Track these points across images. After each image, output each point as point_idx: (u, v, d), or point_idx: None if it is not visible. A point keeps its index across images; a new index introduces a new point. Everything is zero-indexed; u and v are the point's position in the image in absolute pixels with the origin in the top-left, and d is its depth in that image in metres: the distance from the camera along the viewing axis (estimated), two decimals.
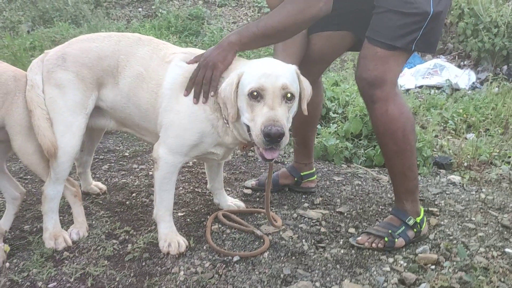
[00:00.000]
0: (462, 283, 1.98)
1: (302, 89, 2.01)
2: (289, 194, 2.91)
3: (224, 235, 2.34)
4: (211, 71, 2.03)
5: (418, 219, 2.33)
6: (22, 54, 5.44)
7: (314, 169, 2.96)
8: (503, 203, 2.93)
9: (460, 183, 3.26)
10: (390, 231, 2.28)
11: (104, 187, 2.84)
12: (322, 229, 2.44)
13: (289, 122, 1.94)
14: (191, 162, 3.36)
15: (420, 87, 6.23)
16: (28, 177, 3.04)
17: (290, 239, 2.32)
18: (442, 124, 4.53)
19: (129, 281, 1.96)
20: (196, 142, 2.11)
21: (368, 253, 2.24)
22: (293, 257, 2.17)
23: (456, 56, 7.31)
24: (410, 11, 2.10)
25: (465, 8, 7.12)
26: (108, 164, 3.35)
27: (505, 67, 6.80)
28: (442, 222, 2.60)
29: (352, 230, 2.46)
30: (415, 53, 2.29)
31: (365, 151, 3.59)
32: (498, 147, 3.88)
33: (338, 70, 6.40)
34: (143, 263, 2.08)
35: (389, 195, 2.95)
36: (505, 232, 2.50)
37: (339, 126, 3.85)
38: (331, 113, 4.15)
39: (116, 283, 1.94)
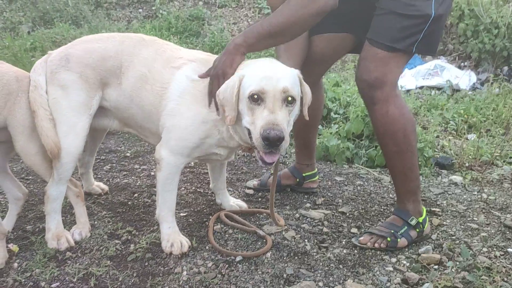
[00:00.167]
0: (465, 283, 1.98)
1: (304, 94, 1.99)
2: (291, 194, 2.91)
3: (227, 235, 2.34)
4: (223, 79, 2.01)
5: (420, 219, 2.33)
6: (22, 55, 5.45)
7: (316, 169, 2.96)
8: (505, 203, 2.93)
9: (461, 183, 3.26)
10: (392, 231, 2.28)
11: (106, 187, 2.84)
12: (325, 229, 2.44)
13: (290, 126, 1.93)
14: (193, 163, 3.36)
15: (421, 87, 6.24)
16: (30, 177, 3.03)
17: (293, 239, 2.32)
18: (443, 124, 4.53)
19: (132, 281, 1.96)
20: (199, 145, 2.11)
21: (370, 253, 2.24)
22: (296, 257, 2.17)
23: (457, 57, 7.32)
24: (412, 14, 2.10)
25: (465, 9, 7.12)
26: (109, 165, 3.35)
27: (505, 68, 6.80)
28: (444, 222, 2.60)
29: (354, 230, 2.46)
30: (415, 54, 2.30)
31: (367, 152, 3.59)
32: (500, 148, 3.88)
33: (339, 71, 6.41)
34: (146, 263, 2.08)
35: (391, 195, 2.96)
36: (508, 232, 2.50)
37: (341, 126, 3.85)
38: (332, 114, 4.15)
39: (119, 283, 1.94)
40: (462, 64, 7.17)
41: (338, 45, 2.53)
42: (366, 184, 3.17)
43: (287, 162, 3.51)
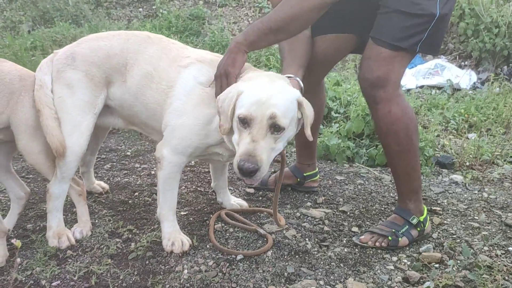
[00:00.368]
0: (466, 281, 1.98)
1: (304, 117, 1.92)
2: (292, 193, 2.91)
3: (228, 234, 2.34)
4: (225, 79, 1.99)
5: (421, 218, 2.33)
6: (23, 54, 5.44)
7: (317, 169, 2.96)
8: (506, 202, 2.92)
9: (462, 182, 3.26)
10: (393, 230, 2.28)
11: (106, 186, 2.84)
12: (325, 228, 2.44)
13: (277, 151, 1.88)
14: (193, 162, 3.36)
15: (421, 87, 6.24)
16: (31, 176, 3.04)
17: (294, 238, 2.32)
18: (444, 124, 4.53)
19: (133, 279, 1.96)
20: (201, 145, 2.11)
21: (371, 252, 2.24)
22: (297, 256, 2.17)
23: (457, 56, 7.31)
24: (417, 12, 2.09)
25: (466, 8, 7.12)
26: (110, 164, 3.35)
27: (505, 67, 6.80)
28: (445, 221, 2.60)
29: (355, 229, 2.46)
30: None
31: (367, 151, 3.59)
32: (500, 147, 3.88)
33: (339, 70, 6.41)
34: (147, 262, 2.08)
35: (391, 194, 2.95)
36: (509, 231, 2.50)
37: (341, 125, 3.85)
38: (333, 113, 4.15)
39: (120, 282, 1.94)
40: (463, 63, 7.17)
41: (340, 45, 2.52)
42: (366, 183, 3.17)
43: (288, 162, 3.50)
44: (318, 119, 2.86)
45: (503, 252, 2.27)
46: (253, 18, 8.01)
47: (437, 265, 2.13)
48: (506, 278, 2.01)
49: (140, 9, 8.32)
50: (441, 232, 2.47)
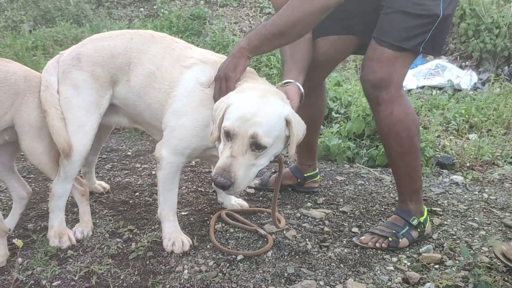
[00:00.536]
0: (465, 282, 1.98)
1: (291, 135, 1.87)
2: (292, 193, 2.91)
3: (228, 234, 2.34)
4: (225, 82, 1.99)
5: (421, 219, 2.33)
6: (24, 54, 5.45)
7: (317, 169, 2.96)
8: (506, 203, 2.93)
9: (462, 183, 3.26)
10: (394, 231, 2.28)
11: (107, 186, 2.85)
12: (326, 229, 2.45)
13: (259, 166, 1.85)
14: (194, 162, 3.36)
15: (422, 87, 6.24)
16: (32, 176, 3.04)
17: (294, 238, 2.32)
18: (444, 124, 4.53)
19: (134, 279, 1.96)
20: (200, 147, 2.11)
21: (371, 252, 2.24)
22: (297, 256, 2.18)
23: (458, 57, 7.31)
24: (420, 13, 2.09)
25: (466, 9, 7.11)
26: (111, 163, 3.36)
27: (506, 68, 6.80)
28: (445, 222, 2.60)
29: (355, 229, 2.47)
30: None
31: (368, 151, 3.59)
32: (501, 148, 3.88)
33: (340, 70, 6.41)
34: (147, 262, 2.09)
35: (392, 195, 2.96)
36: (508, 232, 2.50)
37: (342, 126, 3.85)
38: (333, 113, 4.15)
39: (120, 281, 1.94)
40: (463, 63, 7.17)
41: (342, 47, 2.52)
42: (367, 183, 3.17)
43: (289, 162, 3.50)
44: (318, 120, 2.87)
45: None
46: (254, 18, 8.02)
47: (437, 266, 2.13)
48: (506, 278, 2.02)
49: (141, 9, 8.33)
50: (441, 232, 2.47)
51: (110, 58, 2.19)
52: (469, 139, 4.19)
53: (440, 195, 3.02)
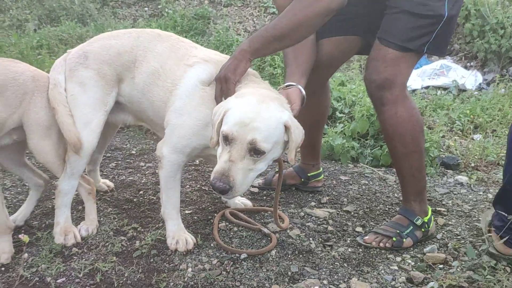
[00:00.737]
0: (470, 282, 1.97)
1: (290, 141, 1.87)
2: (296, 193, 2.91)
3: (232, 233, 2.34)
4: (225, 83, 1.99)
5: (426, 219, 2.33)
6: (29, 53, 5.47)
7: (321, 169, 2.96)
8: None
9: (467, 183, 3.25)
10: (398, 231, 2.27)
11: (111, 184, 2.86)
12: (329, 228, 2.44)
13: (258, 171, 1.84)
14: (198, 161, 3.36)
15: (427, 87, 6.22)
16: None
17: (298, 238, 2.32)
18: (449, 124, 4.52)
19: (138, 277, 1.97)
20: (200, 146, 2.12)
21: (375, 252, 2.24)
22: (301, 255, 2.18)
23: (463, 57, 7.29)
24: (425, 13, 2.08)
25: (471, 9, 7.09)
26: (115, 162, 3.37)
27: (511, 69, 6.76)
28: (449, 222, 2.60)
29: (359, 229, 2.46)
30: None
31: (372, 151, 3.59)
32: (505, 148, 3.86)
33: (344, 70, 6.39)
34: (151, 260, 2.09)
35: (396, 195, 2.95)
36: None
37: (346, 126, 3.84)
38: (337, 113, 4.15)
39: (124, 279, 1.95)
40: (468, 64, 7.14)
41: (346, 47, 2.51)
42: (371, 183, 3.17)
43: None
44: (322, 120, 2.87)
45: None
46: (258, 18, 8.02)
47: (441, 266, 2.13)
48: (510, 279, 2.01)
49: (146, 8, 8.34)
50: (445, 233, 2.47)
51: (116, 56, 2.20)
52: (474, 140, 4.18)
53: (445, 195, 3.01)
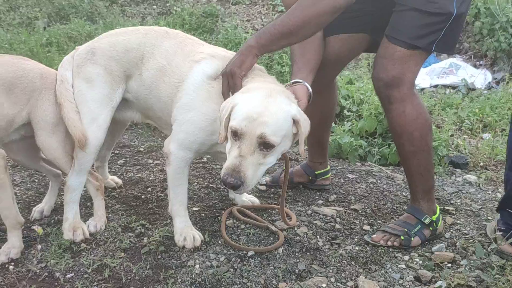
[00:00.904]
0: (478, 281, 1.96)
1: (300, 134, 1.88)
2: (304, 191, 2.91)
3: (239, 230, 2.35)
4: (231, 78, 1.99)
5: (434, 218, 2.32)
6: (38, 50, 5.50)
7: (329, 167, 2.95)
8: None
9: (476, 182, 3.23)
10: (406, 230, 2.26)
11: (120, 181, 2.88)
12: (337, 226, 2.44)
13: (268, 164, 1.85)
14: (205, 158, 3.37)
15: (435, 86, 6.18)
16: None
17: (305, 235, 2.32)
18: (458, 123, 4.49)
19: (146, 273, 1.98)
20: (207, 141, 2.12)
21: (383, 250, 2.23)
22: (308, 253, 2.18)
23: (472, 56, 7.23)
24: (433, 11, 2.07)
25: (481, 7, 7.03)
26: (123, 159, 3.38)
27: None
28: (458, 221, 2.58)
29: (367, 227, 2.46)
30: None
31: (380, 149, 3.57)
32: None
33: (352, 68, 6.37)
34: (159, 256, 2.10)
35: (404, 193, 2.94)
36: None
37: (354, 124, 3.84)
38: (345, 111, 4.14)
39: (132, 275, 1.96)
40: (478, 62, 7.09)
41: (353, 45, 2.50)
42: (379, 182, 3.16)
43: (300, 160, 3.50)
44: (330, 118, 2.86)
45: None
46: (266, 16, 8.01)
47: (449, 265, 2.12)
48: None
49: (154, 6, 8.36)
50: (454, 232, 2.46)
51: (124, 53, 2.21)
52: (483, 139, 4.15)
53: (453, 194, 3.00)
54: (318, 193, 2.88)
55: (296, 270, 2.03)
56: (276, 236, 2.28)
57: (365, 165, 3.51)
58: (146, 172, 3.15)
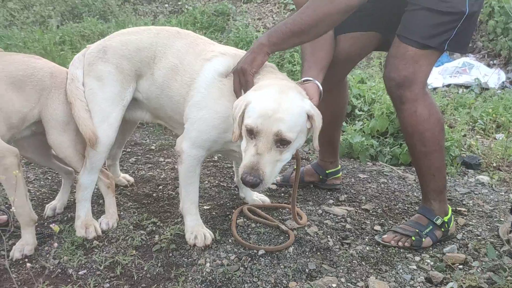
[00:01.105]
0: (490, 283, 1.95)
1: (314, 128, 1.91)
2: (314, 190, 2.90)
3: (249, 229, 2.35)
4: (243, 76, 2.00)
5: (446, 219, 2.30)
6: (52, 48, 5.56)
7: (340, 166, 2.95)
8: None
9: (489, 183, 3.20)
10: (417, 230, 2.25)
11: (131, 179, 2.90)
12: (347, 226, 2.44)
13: (284, 161, 1.87)
14: (216, 157, 3.38)
15: (448, 85, 6.13)
16: None
17: (315, 235, 2.32)
18: (471, 123, 4.45)
19: (157, 270, 1.99)
20: (219, 139, 2.13)
21: (394, 251, 2.22)
22: (318, 253, 2.17)
23: (486, 55, 7.15)
24: (445, 10, 2.05)
25: (495, 6, 6.95)
26: (135, 157, 3.41)
27: None
28: (470, 222, 2.56)
29: (377, 227, 2.45)
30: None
31: (391, 149, 3.56)
32: None
33: (364, 67, 6.34)
34: (170, 254, 2.12)
35: (415, 194, 2.92)
36: None
37: (365, 123, 3.82)
38: (356, 111, 4.12)
39: (144, 272, 1.98)
40: (491, 62, 7.01)
41: (364, 43, 2.49)
42: (390, 182, 3.14)
43: (310, 159, 3.50)
44: (340, 117, 2.85)
45: None
46: (277, 15, 8.00)
47: (461, 266, 2.10)
48: None
49: (166, 5, 8.40)
50: (465, 233, 2.44)
51: (135, 52, 2.23)
52: (496, 139, 4.10)
53: (465, 195, 2.97)
54: (328, 192, 2.88)
55: (306, 270, 2.03)
56: (287, 235, 2.28)
57: (376, 165, 3.49)
58: (157, 170, 3.17)
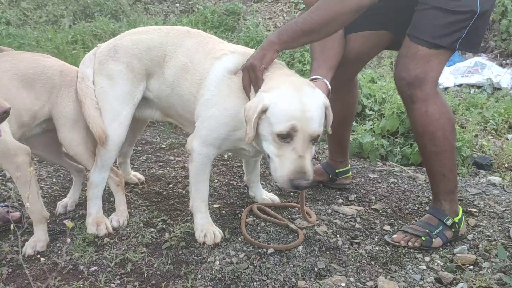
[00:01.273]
0: (501, 284, 1.94)
1: (329, 116, 2.01)
2: (324, 189, 2.90)
3: (259, 228, 2.36)
4: (252, 72, 2.01)
5: (456, 219, 2.29)
6: (64, 47, 5.62)
7: (349, 166, 2.94)
8: None
9: (500, 184, 3.17)
10: (427, 231, 2.24)
11: (142, 177, 2.92)
12: (357, 225, 2.43)
13: (312, 154, 1.95)
14: (226, 156, 3.40)
15: (460, 85, 6.07)
16: None
17: (325, 234, 2.32)
18: (483, 123, 4.41)
19: (167, 268, 2.01)
20: (230, 137, 2.13)
21: (403, 251, 2.22)
22: (327, 252, 2.18)
23: (498, 55, 7.08)
24: (456, 9, 2.04)
25: (508, 5, 6.88)
26: (145, 155, 3.43)
27: None
28: (481, 223, 2.54)
29: (387, 227, 2.44)
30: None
31: (401, 149, 3.54)
32: None
33: (374, 67, 6.31)
34: (180, 252, 2.13)
35: (425, 194, 2.91)
36: None
37: (375, 123, 3.80)
38: (367, 110, 4.11)
39: (154, 269, 2.00)
40: (504, 62, 6.93)
41: (374, 42, 2.49)
42: (400, 182, 3.13)
43: (320, 158, 3.50)
44: (350, 116, 2.84)
45: None
46: (288, 14, 7.99)
47: (471, 267, 2.09)
48: None
49: (177, 5, 8.43)
50: (476, 234, 2.42)
51: (146, 51, 2.24)
52: (508, 140, 4.06)
53: (476, 196, 2.95)
54: (338, 192, 2.87)
55: (316, 269, 2.03)
56: (296, 234, 2.29)
57: (386, 164, 3.48)
58: (167, 168, 3.19)
